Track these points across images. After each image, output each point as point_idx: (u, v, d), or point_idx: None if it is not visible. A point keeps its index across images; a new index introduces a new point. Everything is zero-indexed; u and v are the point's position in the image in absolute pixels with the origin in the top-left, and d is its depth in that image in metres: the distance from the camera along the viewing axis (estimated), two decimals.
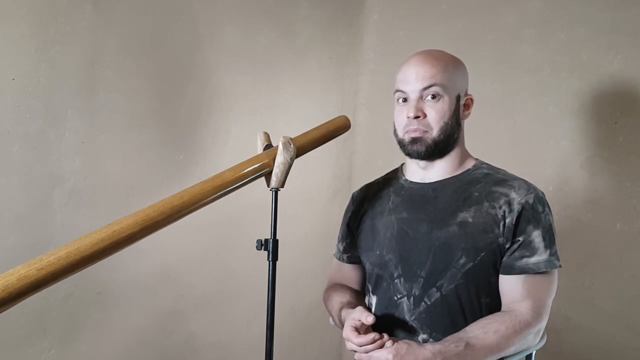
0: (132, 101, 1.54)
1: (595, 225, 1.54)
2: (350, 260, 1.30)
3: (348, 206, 1.32)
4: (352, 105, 2.22)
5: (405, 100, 1.13)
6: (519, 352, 1.04)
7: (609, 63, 1.52)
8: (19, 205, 1.36)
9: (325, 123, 1.26)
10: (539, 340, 1.10)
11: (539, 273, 1.03)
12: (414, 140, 1.11)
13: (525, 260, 1.03)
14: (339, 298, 1.20)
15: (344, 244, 1.31)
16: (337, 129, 1.27)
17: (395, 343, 0.97)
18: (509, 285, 1.05)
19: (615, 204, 1.51)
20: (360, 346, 0.98)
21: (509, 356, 1.02)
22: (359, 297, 1.24)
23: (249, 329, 1.89)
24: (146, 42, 1.56)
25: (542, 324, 1.05)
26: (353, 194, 1.33)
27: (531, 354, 1.13)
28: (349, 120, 1.31)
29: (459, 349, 0.96)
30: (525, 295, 1.03)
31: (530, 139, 1.67)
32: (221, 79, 1.74)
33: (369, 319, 0.98)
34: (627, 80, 1.49)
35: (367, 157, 2.17)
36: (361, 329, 1.00)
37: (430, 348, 0.96)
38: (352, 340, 0.99)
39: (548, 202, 1.09)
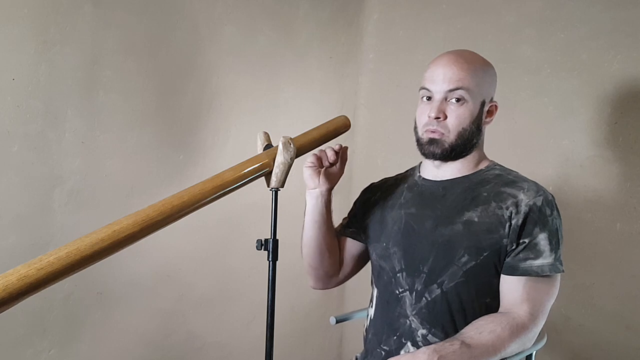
0: (132, 101, 1.54)
1: (595, 225, 1.54)
2: (344, 233, 1.30)
3: (363, 191, 1.33)
4: (352, 105, 2.22)
5: (429, 98, 1.12)
6: (516, 354, 1.03)
7: (609, 63, 1.52)
8: (19, 205, 1.36)
9: (325, 123, 1.26)
10: (539, 342, 1.10)
11: (542, 277, 1.03)
12: (431, 141, 1.10)
13: (529, 262, 1.03)
14: None
15: (346, 219, 1.32)
16: (337, 129, 1.27)
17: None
18: (510, 286, 1.05)
19: (615, 204, 1.51)
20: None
21: (506, 358, 1.02)
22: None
23: (249, 329, 1.89)
24: (146, 42, 1.55)
25: (538, 328, 1.04)
26: (371, 183, 1.34)
27: (531, 354, 1.14)
28: (349, 120, 1.31)
29: (454, 347, 0.96)
30: (524, 297, 1.03)
31: (530, 139, 1.67)
32: (221, 79, 1.74)
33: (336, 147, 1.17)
34: (627, 80, 1.49)
35: (367, 157, 2.17)
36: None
37: (424, 349, 0.96)
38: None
39: (557, 205, 1.08)
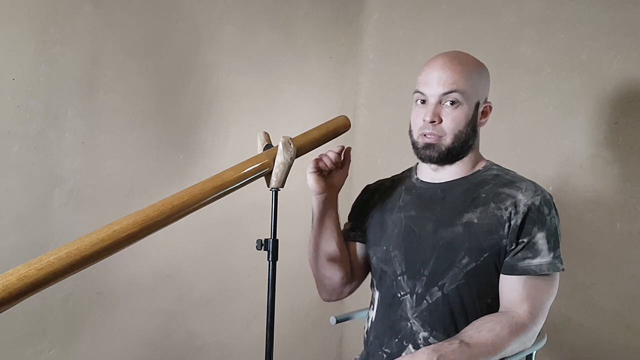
0: (132, 101, 1.54)
1: (595, 225, 1.54)
2: (349, 237, 1.28)
3: (359, 195, 1.32)
4: (352, 105, 2.22)
5: (423, 102, 1.11)
6: (516, 354, 1.03)
7: (609, 63, 1.52)
8: (19, 205, 1.36)
9: (325, 123, 1.26)
10: (539, 341, 1.10)
11: (541, 275, 1.03)
12: (428, 146, 1.10)
13: (527, 261, 1.03)
14: None
15: (349, 224, 1.31)
16: (337, 129, 1.27)
17: None
18: (509, 286, 1.05)
19: (615, 204, 1.51)
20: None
21: (506, 358, 1.02)
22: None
23: (249, 329, 1.89)
24: (146, 42, 1.56)
25: (538, 327, 1.04)
26: (366, 185, 1.33)
27: (531, 354, 1.13)
28: (349, 120, 1.30)
29: (453, 346, 0.96)
30: (524, 297, 1.03)
31: (530, 139, 1.67)
32: (221, 79, 1.74)
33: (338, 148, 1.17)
34: (627, 80, 1.49)
35: (367, 157, 2.17)
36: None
37: (423, 349, 0.96)
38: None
39: (555, 205, 1.09)
